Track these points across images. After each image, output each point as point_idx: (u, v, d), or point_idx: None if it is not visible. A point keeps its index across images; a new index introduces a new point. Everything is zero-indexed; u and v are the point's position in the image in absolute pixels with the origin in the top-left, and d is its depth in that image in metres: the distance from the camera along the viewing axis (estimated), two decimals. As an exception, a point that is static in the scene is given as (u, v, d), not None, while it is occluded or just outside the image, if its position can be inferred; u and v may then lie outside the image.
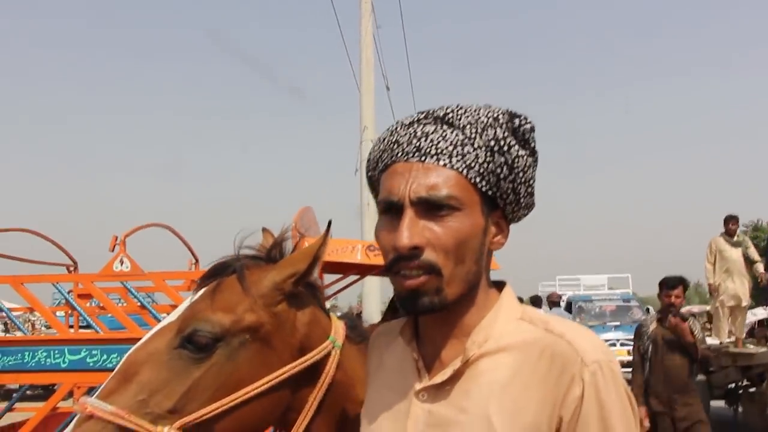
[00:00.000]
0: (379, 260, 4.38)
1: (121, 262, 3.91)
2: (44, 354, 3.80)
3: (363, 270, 5.20)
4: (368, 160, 1.20)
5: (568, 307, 16.90)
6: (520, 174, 1.09)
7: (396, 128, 1.13)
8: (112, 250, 3.98)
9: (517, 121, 1.09)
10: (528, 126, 1.09)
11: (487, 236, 1.10)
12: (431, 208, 1.03)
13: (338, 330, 1.55)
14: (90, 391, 4.77)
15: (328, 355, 1.49)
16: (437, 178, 1.03)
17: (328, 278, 5.24)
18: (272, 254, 1.54)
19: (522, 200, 1.13)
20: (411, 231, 1.01)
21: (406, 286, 1.03)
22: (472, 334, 1.09)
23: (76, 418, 1.30)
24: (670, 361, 5.51)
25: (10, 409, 4.66)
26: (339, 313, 1.75)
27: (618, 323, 15.35)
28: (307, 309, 1.50)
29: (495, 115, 1.09)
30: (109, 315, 7.47)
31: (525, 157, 1.09)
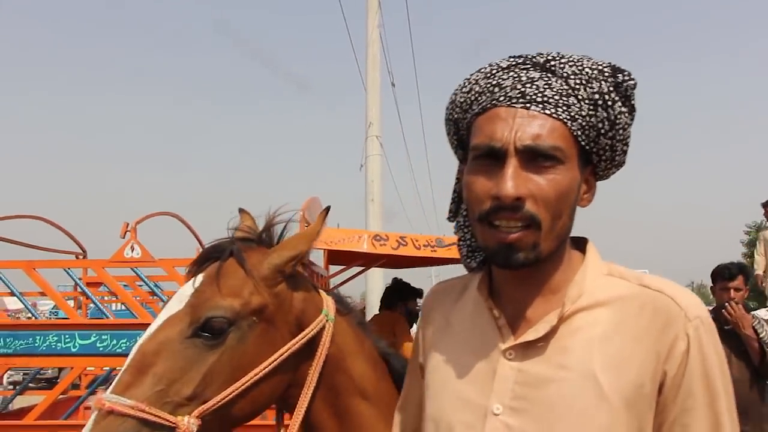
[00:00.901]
0: (385, 250, 4.39)
1: (132, 249, 3.93)
2: (55, 338, 3.83)
3: (368, 260, 5.22)
4: (453, 102, 1.13)
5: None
6: (620, 131, 1.07)
7: (493, 71, 1.07)
8: (123, 237, 3.99)
9: (620, 76, 1.05)
10: (632, 83, 1.05)
11: (579, 192, 1.07)
12: (535, 158, 0.99)
13: (329, 303, 1.61)
14: (96, 379, 4.86)
15: (323, 329, 1.55)
16: (542, 128, 1.00)
17: (332, 270, 5.29)
18: (263, 237, 1.59)
19: (617, 158, 1.11)
20: (516, 180, 0.97)
21: (507, 240, 0.99)
22: (567, 290, 1.06)
23: (93, 416, 1.29)
24: None
25: (20, 393, 4.76)
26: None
27: None
28: (301, 286, 1.56)
29: (600, 68, 1.05)
30: (114, 306, 7.58)
31: (626, 114, 1.06)
